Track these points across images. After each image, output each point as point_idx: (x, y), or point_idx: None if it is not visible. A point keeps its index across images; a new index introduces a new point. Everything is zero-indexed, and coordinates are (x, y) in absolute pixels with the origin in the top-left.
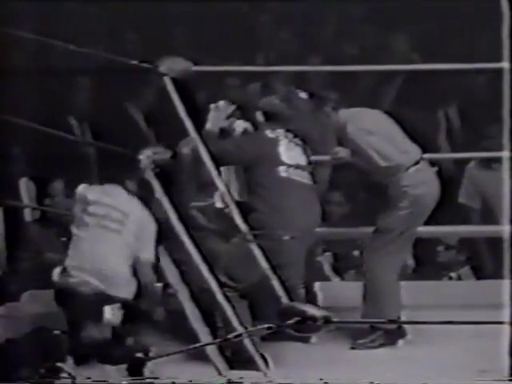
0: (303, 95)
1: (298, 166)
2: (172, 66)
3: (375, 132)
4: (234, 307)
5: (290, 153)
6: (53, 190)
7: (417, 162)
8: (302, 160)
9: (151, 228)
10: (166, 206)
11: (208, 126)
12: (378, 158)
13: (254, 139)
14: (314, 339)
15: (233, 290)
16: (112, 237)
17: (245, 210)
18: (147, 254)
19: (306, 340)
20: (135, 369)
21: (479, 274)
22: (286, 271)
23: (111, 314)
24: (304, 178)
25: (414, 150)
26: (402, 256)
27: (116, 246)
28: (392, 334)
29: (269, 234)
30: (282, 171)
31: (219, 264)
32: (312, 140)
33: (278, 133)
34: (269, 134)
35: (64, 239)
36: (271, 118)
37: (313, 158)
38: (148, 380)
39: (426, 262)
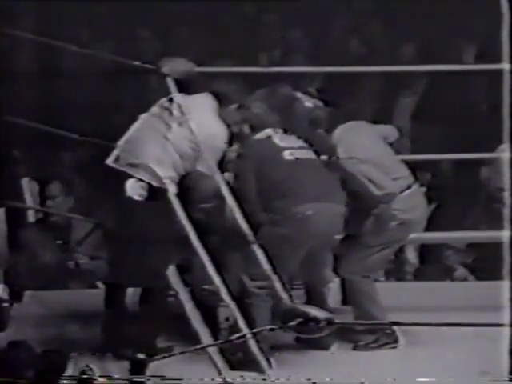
0: (308, 103)
1: (300, 147)
2: (174, 66)
3: (367, 160)
4: (240, 308)
5: (286, 139)
6: (52, 192)
7: (409, 186)
8: (301, 143)
9: None
10: (176, 206)
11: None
12: (372, 187)
13: (248, 149)
14: (333, 348)
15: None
16: None
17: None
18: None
19: (326, 348)
20: (137, 369)
21: (480, 275)
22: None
23: (132, 188)
24: (311, 155)
25: (406, 174)
26: (381, 265)
27: None
28: (393, 334)
29: (292, 216)
30: (287, 155)
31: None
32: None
33: (266, 132)
34: (257, 135)
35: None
36: (257, 127)
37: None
38: (150, 380)
39: (432, 264)
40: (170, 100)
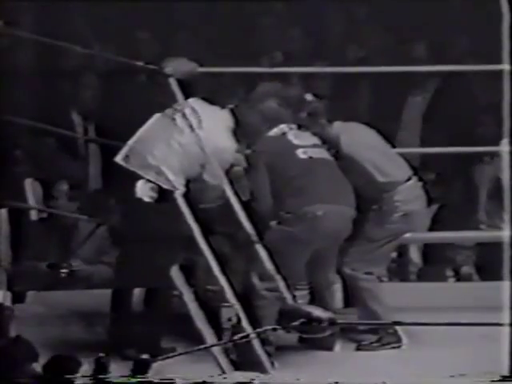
0: (309, 97)
1: (314, 145)
2: (177, 67)
3: (371, 147)
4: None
5: (300, 136)
6: (56, 192)
7: (409, 179)
8: (315, 140)
9: None
10: (183, 207)
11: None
12: (377, 174)
13: (262, 145)
14: (336, 348)
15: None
16: None
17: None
18: None
19: (329, 348)
20: (140, 369)
21: (483, 275)
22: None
23: (141, 189)
24: (324, 155)
25: (406, 166)
26: (384, 260)
27: None
28: (395, 334)
29: (302, 215)
30: (301, 153)
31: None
32: None
33: (281, 128)
34: (272, 132)
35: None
36: (271, 122)
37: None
38: (153, 380)
39: (436, 264)
40: (186, 104)
